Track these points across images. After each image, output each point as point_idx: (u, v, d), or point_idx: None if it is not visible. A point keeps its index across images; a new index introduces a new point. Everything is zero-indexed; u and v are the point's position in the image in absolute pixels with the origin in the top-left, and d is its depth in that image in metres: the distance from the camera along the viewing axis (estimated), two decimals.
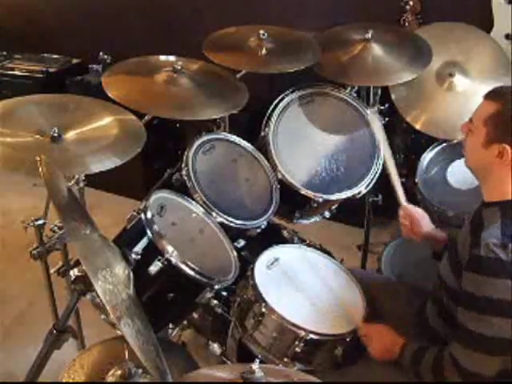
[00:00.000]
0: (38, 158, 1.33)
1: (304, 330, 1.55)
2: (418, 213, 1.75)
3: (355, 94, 2.25)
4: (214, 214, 1.80)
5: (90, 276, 1.13)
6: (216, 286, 1.66)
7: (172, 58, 2.11)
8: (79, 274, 1.54)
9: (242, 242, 1.96)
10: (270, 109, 2.09)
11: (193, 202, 1.80)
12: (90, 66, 3.35)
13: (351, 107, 2.19)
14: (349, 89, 2.22)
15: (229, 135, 2.04)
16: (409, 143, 2.81)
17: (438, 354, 1.42)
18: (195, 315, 1.93)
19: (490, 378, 1.34)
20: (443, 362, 1.39)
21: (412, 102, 2.26)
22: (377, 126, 2.05)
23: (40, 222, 1.67)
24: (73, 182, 1.82)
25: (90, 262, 1.19)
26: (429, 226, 1.74)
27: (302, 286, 1.71)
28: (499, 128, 1.36)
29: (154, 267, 1.54)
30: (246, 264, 1.75)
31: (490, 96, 1.41)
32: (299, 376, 1.20)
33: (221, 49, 2.15)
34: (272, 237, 2.02)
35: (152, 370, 1.11)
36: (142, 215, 1.61)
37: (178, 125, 3.21)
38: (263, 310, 1.58)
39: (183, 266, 1.55)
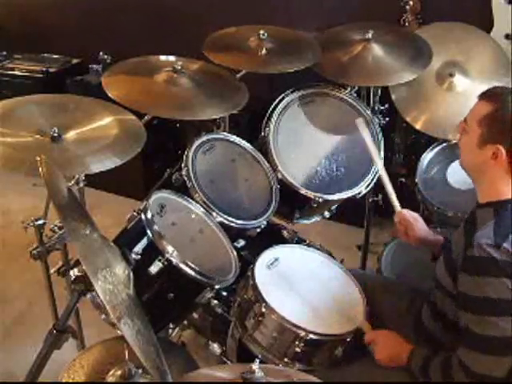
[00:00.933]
0: (38, 158, 1.33)
1: (304, 330, 1.55)
2: (413, 217, 1.74)
3: (355, 94, 2.25)
4: (213, 214, 1.80)
5: (90, 276, 1.13)
6: (216, 286, 1.66)
7: (172, 58, 2.11)
8: (79, 273, 1.54)
9: (241, 242, 1.96)
10: (270, 109, 2.09)
11: (193, 201, 1.80)
12: (89, 66, 3.35)
13: (351, 107, 2.19)
14: (349, 89, 2.22)
15: (229, 135, 2.04)
16: (409, 143, 2.81)
17: (445, 359, 1.40)
18: (195, 315, 1.93)
19: (501, 378, 1.32)
20: (452, 368, 1.37)
21: (412, 102, 2.26)
22: (366, 132, 1.95)
23: (40, 221, 1.67)
24: (73, 182, 1.82)
25: (90, 261, 1.19)
26: (423, 229, 1.72)
27: (302, 286, 1.71)
28: (493, 129, 1.36)
29: (155, 267, 1.54)
30: (246, 264, 1.75)
31: (485, 96, 1.41)
32: (299, 376, 1.20)
33: (221, 49, 2.15)
34: (272, 237, 2.03)
35: (152, 370, 1.11)
36: (142, 215, 1.61)
37: (178, 125, 3.21)
38: (263, 309, 1.58)
39: (183, 266, 1.55)
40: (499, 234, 1.30)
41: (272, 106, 2.09)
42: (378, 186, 2.17)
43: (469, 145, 1.42)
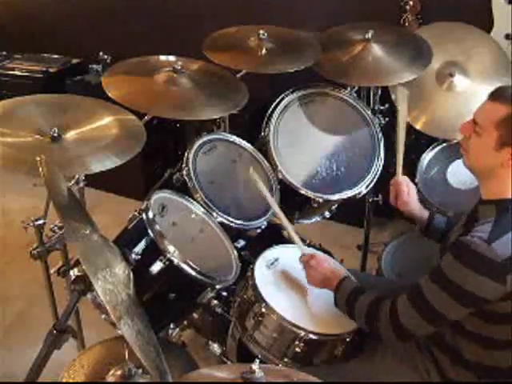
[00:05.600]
0: (38, 158, 1.33)
1: (304, 330, 1.55)
2: (407, 185, 1.79)
3: (355, 94, 2.25)
4: (214, 214, 1.80)
5: (90, 276, 1.13)
6: (217, 286, 1.66)
7: (172, 57, 2.10)
8: (79, 273, 1.54)
9: (242, 242, 1.96)
10: (270, 109, 2.09)
11: (193, 202, 1.80)
12: (89, 65, 3.35)
13: (351, 107, 2.19)
14: (349, 89, 2.22)
15: (229, 135, 2.04)
16: (409, 143, 2.81)
17: (377, 299, 1.47)
18: (195, 315, 1.93)
19: (418, 336, 1.45)
20: (381, 305, 1.44)
21: (412, 102, 2.25)
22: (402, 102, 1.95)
23: (40, 221, 1.67)
24: (73, 182, 1.82)
25: (90, 261, 1.19)
26: (411, 200, 1.77)
27: (301, 286, 1.71)
28: None
29: (156, 267, 1.55)
30: (246, 264, 1.75)
31: (499, 98, 1.38)
32: (299, 376, 1.19)
33: (221, 49, 2.15)
34: (272, 237, 2.02)
35: (152, 370, 1.11)
36: (144, 215, 1.61)
37: (178, 125, 3.21)
38: (263, 310, 1.58)
39: (184, 266, 1.55)
40: (495, 233, 1.31)
41: (272, 106, 2.09)
42: (378, 186, 2.18)
43: (483, 147, 1.40)
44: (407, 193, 1.76)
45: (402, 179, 1.80)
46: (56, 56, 3.69)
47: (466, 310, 1.36)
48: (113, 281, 1.24)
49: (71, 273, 1.68)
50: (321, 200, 2.01)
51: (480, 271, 1.29)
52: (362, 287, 1.56)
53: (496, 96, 1.40)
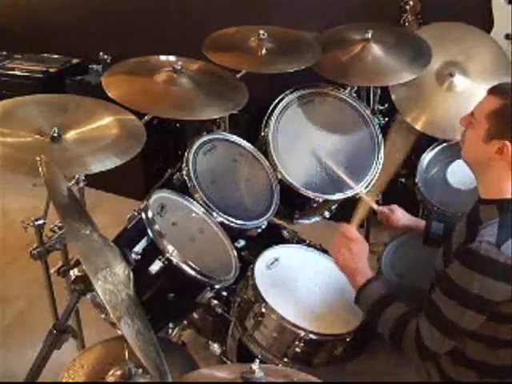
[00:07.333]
0: (38, 158, 1.33)
1: (304, 330, 1.55)
2: (390, 209, 1.93)
3: (355, 94, 2.25)
4: (214, 214, 1.80)
5: (90, 276, 1.13)
6: (216, 286, 1.66)
7: (172, 57, 2.11)
8: (79, 273, 1.54)
9: (242, 242, 1.96)
10: (270, 109, 2.09)
11: (193, 201, 1.80)
12: (89, 66, 3.35)
13: (351, 107, 2.19)
14: (349, 89, 2.23)
15: (229, 135, 2.04)
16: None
17: (405, 314, 1.44)
18: (195, 315, 1.93)
19: (441, 354, 1.42)
20: (407, 327, 1.41)
21: (412, 102, 2.26)
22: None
23: (40, 221, 1.67)
24: (73, 182, 1.82)
25: (90, 262, 1.19)
26: (401, 218, 1.91)
27: (301, 286, 1.71)
28: (501, 124, 1.35)
29: (155, 267, 1.54)
30: (246, 264, 1.75)
31: (495, 91, 1.40)
32: (299, 376, 1.19)
33: (221, 49, 2.15)
34: (272, 237, 2.02)
35: (152, 370, 1.11)
36: (143, 215, 1.61)
37: (178, 125, 3.21)
38: (263, 310, 1.58)
39: (184, 266, 1.55)
40: (502, 235, 1.31)
41: (272, 106, 2.09)
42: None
43: (474, 138, 1.41)
44: (392, 215, 1.91)
45: (381, 208, 1.94)
46: (56, 56, 3.68)
47: (484, 317, 1.35)
48: (113, 281, 1.24)
49: (71, 273, 1.68)
50: (321, 200, 2.01)
51: (494, 276, 1.29)
52: (388, 296, 1.50)
53: (493, 89, 1.41)
